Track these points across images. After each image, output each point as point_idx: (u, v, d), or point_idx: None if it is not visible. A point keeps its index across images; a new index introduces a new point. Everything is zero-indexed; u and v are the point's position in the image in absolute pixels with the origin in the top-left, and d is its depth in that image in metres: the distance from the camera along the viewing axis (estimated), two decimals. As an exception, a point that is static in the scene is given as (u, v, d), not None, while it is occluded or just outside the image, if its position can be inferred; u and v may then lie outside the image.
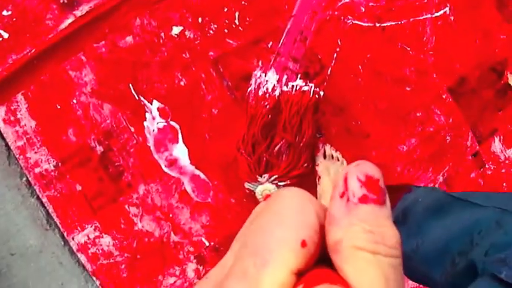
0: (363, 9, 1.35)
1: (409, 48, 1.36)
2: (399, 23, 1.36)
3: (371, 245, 0.22)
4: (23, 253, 1.20)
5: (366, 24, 1.35)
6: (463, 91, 1.38)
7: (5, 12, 1.21)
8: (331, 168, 1.30)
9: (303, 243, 0.22)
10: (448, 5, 1.37)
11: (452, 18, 1.37)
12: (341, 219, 0.22)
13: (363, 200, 0.22)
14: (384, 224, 0.22)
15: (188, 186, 1.28)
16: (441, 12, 1.37)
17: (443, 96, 1.37)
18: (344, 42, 1.34)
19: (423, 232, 0.91)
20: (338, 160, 1.31)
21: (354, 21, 1.34)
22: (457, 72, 1.38)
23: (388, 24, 1.35)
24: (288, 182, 1.26)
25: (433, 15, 1.37)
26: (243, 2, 1.30)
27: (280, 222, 0.23)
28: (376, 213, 0.22)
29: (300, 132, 1.26)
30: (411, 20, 1.36)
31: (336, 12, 1.34)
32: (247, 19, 1.31)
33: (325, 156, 1.31)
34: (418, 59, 1.37)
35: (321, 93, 1.31)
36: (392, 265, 0.22)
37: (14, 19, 1.22)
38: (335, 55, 1.34)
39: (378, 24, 1.35)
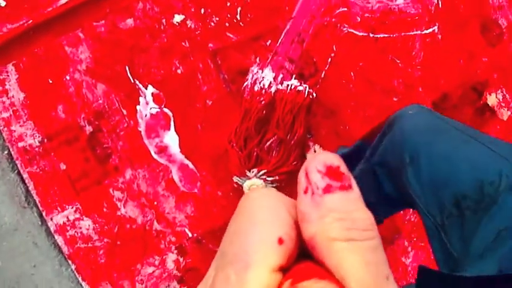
0: (359, 19, 1.40)
1: (398, 61, 1.42)
2: (391, 36, 1.42)
3: (344, 232, 0.21)
4: None
5: (361, 34, 1.40)
6: (446, 106, 1.45)
7: (3, -20, 1.18)
8: None
9: (280, 240, 0.22)
10: (437, 24, 1.45)
11: (440, 37, 1.45)
12: (310, 214, 0.22)
13: (327, 189, 0.22)
14: (353, 208, 0.22)
15: (176, 175, 1.26)
16: (430, 30, 1.45)
17: (427, 110, 1.44)
18: (339, 49, 1.39)
19: (414, 149, 0.78)
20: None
21: (349, 30, 1.39)
22: (441, 88, 1.45)
23: (381, 36, 1.42)
24: (277, 177, 1.27)
25: (423, 32, 1.44)
26: (245, -1, 1.33)
27: (254, 224, 0.22)
28: (343, 199, 0.22)
29: (292, 130, 1.29)
30: (402, 34, 1.43)
31: (333, 19, 1.39)
32: (249, 15, 1.33)
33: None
34: (406, 72, 1.43)
35: (314, 94, 1.34)
36: (370, 247, 0.22)
37: (13, -12, 1.18)
38: (329, 60, 1.38)
39: (371, 35, 1.41)
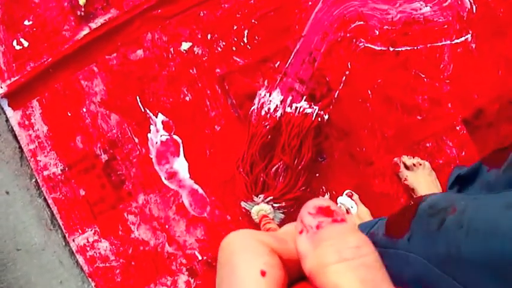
0: (377, 32, 1.30)
1: (423, 75, 1.30)
2: (415, 48, 1.30)
3: (336, 255, 0.22)
4: (28, 249, 1.28)
5: (379, 48, 1.30)
6: (479, 124, 1.31)
7: (26, 22, 1.28)
8: (420, 176, 1.26)
9: (263, 273, 0.22)
10: (471, 32, 1.30)
11: (473, 46, 1.30)
12: (308, 250, 0.23)
13: (319, 226, 0.23)
14: (345, 234, 0.23)
15: (186, 200, 1.30)
16: (462, 39, 1.30)
17: (457, 128, 1.30)
18: (354, 65, 1.31)
19: None
20: (420, 165, 1.28)
21: (366, 45, 1.30)
22: (474, 103, 1.30)
23: (403, 49, 1.30)
24: (283, 204, 1.25)
25: (453, 42, 1.30)
26: (253, 21, 1.30)
27: (233, 270, 0.23)
28: (336, 230, 0.23)
29: (299, 155, 1.25)
30: (428, 45, 1.30)
31: (348, 34, 1.31)
32: (256, 37, 1.30)
33: (407, 168, 1.28)
34: (432, 86, 1.31)
35: (326, 116, 1.29)
36: (365, 265, 0.22)
37: (34, 29, 1.29)
38: (344, 78, 1.31)
39: (391, 49, 1.30)
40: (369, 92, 1.31)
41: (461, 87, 1.30)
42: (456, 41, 1.30)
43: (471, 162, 1.30)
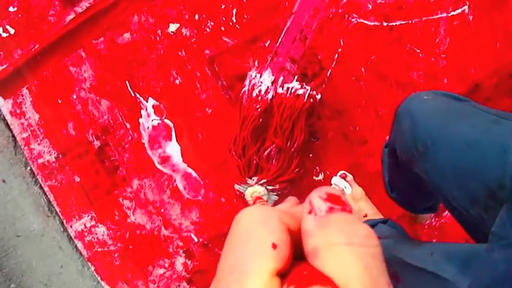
0: (370, 7, 1.26)
1: (418, 50, 1.26)
2: (409, 22, 1.26)
3: (345, 238, 0.22)
4: (28, 236, 1.31)
5: (372, 23, 1.26)
6: (477, 99, 1.27)
7: (11, 9, 1.26)
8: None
9: (274, 246, 0.23)
10: (467, 3, 1.25)
11: (471, 18, 1.25)
12: (314, 229, 0.23)
13: (330, 210, 0.24)
14: (354, 223, 0.23)
15: (180, 184, 1.31)
16: (459, 11, 1.25)
17: (454, 104, 1.27)
18: (347, 42, 1.27)
19: (427, 136, 0.66)
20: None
21: (359, 20, 1.26)
22: (471, 77, 1.26)
23: (397, 23, 1.26)
24: (277, 186, 1.25)
25: (449, 14, 1.25)
26: (241, -1, 1.26)
27: (247, 237, 0.24)
28: (345, 218, 0.24)
29: (291, 137, 1.24)
30: (423, 19, 1.26)
31: (339, 10, 1.26)
32: (245, 16, 1.27)
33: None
34: (428, 62, 1.27)
35: (318, 96, 1.26)
36: (370, 253, 0.22)
37: (20, 15, 1.27)
38: (336, 56, 1.27)
39: (385, 23, 1.26)
40: (362, 70, 1.28)
41: (458, 62, 1.26)
42: (453, 13, 1.25)
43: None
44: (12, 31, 1.27)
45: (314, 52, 1.28)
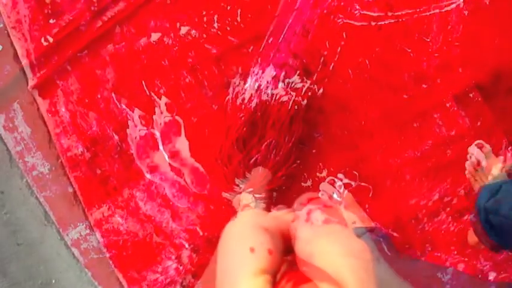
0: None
1: (428, 39, 1.19)
2: (416, 10, 1.19)
3: (340, 248, 0.25)
4: (28, 244, 1.43)
5: (376, 14, 1.22)
6: (498, 90, 1.14)
7: (51, 21, 1.45)
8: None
9: (251, 249, 0.26)
10: (482, -14, 1.15)
11: (487, 1, 1.15)
12: (310, 237, 0.26)
13: (327, 222, 0.26)
14: (350, 236, 0.26)
15: (188, 178, 1.35)
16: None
17: (471, 95, 1.16)
18: (350, 36, 1.24)
19: None
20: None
21: (361, 12, 1.23)
22: (490, 66, 1.15)
23: (403, 12, 1.20)
24: (264, 195, 1.21)
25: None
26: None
27: (228, 250, 0.28)
28: (341, 230, 0.26)
29: (277, 146, 1.21)
30: (432, 6, 1.18)
31: (341, 3, 1.24)
32: (249, 16, 1.31)
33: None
34: (440, 50, 1.18)
35: (320, 90, 1.24)
36: (364, 268, 0.24)
37: (58, 27, 1.45)
38: (339, 49, 1.25)
39: (389, 13, 1.21)
40: (367, 62, 1.23)
41: (474, 50, 1.16)
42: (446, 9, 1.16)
43: (489, 134, 1.15)
44: (51, 40, 1.45)
45: (317, 47, 1.26)
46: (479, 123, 1.16)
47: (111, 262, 1.36)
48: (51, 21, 1.46)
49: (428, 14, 1.19)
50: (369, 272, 0.23)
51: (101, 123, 1.42)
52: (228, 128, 1.22)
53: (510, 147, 1.14)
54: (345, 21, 1.24)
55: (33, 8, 1.46)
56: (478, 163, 1.12)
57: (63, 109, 1.44)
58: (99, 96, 1.42)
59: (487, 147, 1.15)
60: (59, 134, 1.45)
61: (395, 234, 1.22)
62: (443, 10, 1.18)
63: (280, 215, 0.28)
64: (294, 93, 1.18)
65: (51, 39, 1.45)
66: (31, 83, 1.45)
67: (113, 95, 1.37)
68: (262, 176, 1.20)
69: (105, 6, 1.41)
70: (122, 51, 1.40)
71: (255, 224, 0.27)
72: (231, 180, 1.22)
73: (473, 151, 1.15)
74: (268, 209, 1.21)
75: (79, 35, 1.43)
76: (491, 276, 1.17)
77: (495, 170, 1.10)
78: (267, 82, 1.24)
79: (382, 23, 1.21)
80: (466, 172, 1.15)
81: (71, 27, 1.44)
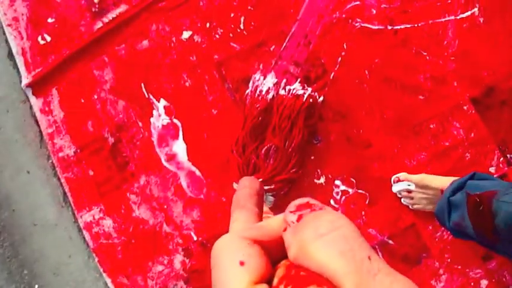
0: (374, 12, 1.27)
1: (425, 53, 1.24)
2: (415, 25, 1.24)
3: (312, 232, 0.24)
4: (43, 225, 1.40)
5: (376, 27, 1.27)
6: (491, 103, 1.20)
7: (49, 20, 1.44)
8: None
9: (241, 263, 0.25)
10: (477, 5, 1.21)
11: (481, 20, 1.21)
12: (290, 240, 0.25)
13: (299, 218, 0.26)
14: (319, 215, 0.25)
15: (184, 182, 1.34)
16: (468, 13, 1.22)
17: (464, 108, 1.21)
18: (350, 46, 1.28)
19: None
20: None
21: (362, 24, 1.28)
22: (484, 80, 1.20)
23: (402, 26, 1.25)
24: (273, 186, 1.24)
25: (458, 17, 1.23)
26: (249, 7, 1.34)
27: (219, 266, 0.27)
28: (312, 216, 0.25)
29: (290, 137, 1.24)
30: (430, 22, 1.24)
31: (343, 15, 1.29)
32: (252, 23, 1.33)
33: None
34: (436, 64, 1.23)
35: (321, 98, 1.27)
36: (340, 236, 0.23)
37: (56, 25, 1.44)
38: (339, 59, 1.28)
39: (389, 27, 1.26)
40: (366, 72, 1.27)
41: (469, 64, 1.21)
42: (462, 15, 1.23)
43: (483, 145, 1.20)
44: (48, 39, 1.44)
45: (317, 56, 1.30)
46: (472, 135, 1.21)
47: (119, 248, 1.34)
48: (49, 20, 1.44)
49: (420, 24, 1.24)
50: (347, 237, 0.23)
51: (95, 124, 1.40)
52: (245, 118, 1.24)
53: (502, 158, 1.19)
54: (347, 30, 1.28)
55: (32, 7, 1.44)
56: (409, 191, 1.18)
57: (57, 108, 1.42)
58: (95, 97, 1.41)
59: (400, 175, 1.22)
60: (51, 133, 1.42)
61: (390, 241, 1.24)
62: (440, 20, 1.24)
63: (270, 222, 0.28)
64: (310, 88, 1.23)
65: (48, 38, 1.44)
66: (25, 81, 1.42)
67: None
68: (272, 166, 1.22)
69: (107, 8, 1.42)
70: (121, 53, 1.40)
71: (242, 235, 0.26)
72: (244, 171, 1.23)
73: (397, 188, 1.21)
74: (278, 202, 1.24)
75: (78, 35, 1.42)
76: (483, 284, 1.20)
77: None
78: (272, 85, 1.26)
79: (397, 28, 1.25)
80: (409, 207, 1.21)
81: (70, 27, 1.43)
